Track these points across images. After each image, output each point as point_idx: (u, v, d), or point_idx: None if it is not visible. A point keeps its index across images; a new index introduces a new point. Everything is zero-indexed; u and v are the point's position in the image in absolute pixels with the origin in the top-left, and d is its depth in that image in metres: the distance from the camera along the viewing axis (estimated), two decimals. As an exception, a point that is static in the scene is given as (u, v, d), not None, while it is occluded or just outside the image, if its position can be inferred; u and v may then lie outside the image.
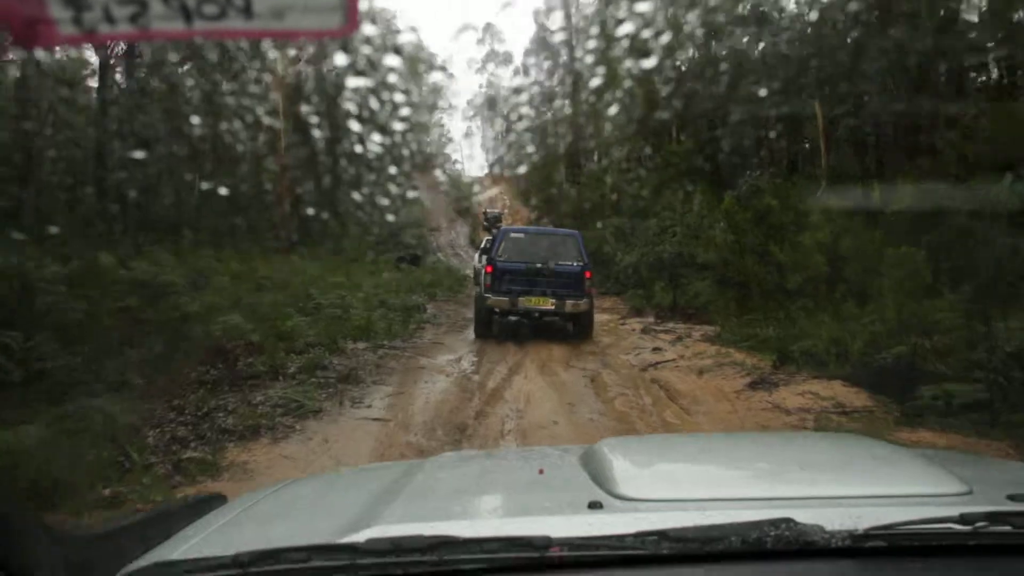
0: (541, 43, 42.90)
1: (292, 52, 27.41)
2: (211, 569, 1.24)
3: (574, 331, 12.80)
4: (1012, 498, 1.43)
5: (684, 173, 22.05)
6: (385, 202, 28.67)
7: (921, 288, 9.83)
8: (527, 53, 49.31)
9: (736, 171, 23.07)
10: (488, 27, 55.60)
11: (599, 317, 15.76)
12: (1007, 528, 1.23)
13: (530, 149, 38.08)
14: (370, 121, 24.78)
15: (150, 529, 1.63)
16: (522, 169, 41.97)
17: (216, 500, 1.94)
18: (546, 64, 42.05)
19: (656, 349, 11.58)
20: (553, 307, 12.09)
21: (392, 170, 29.10)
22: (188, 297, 10.90)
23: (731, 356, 10.36)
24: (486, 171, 54.21)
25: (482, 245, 20.17)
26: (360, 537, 1.26)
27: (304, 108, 26.45)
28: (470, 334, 13.33)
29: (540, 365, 10.31)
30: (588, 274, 12.40)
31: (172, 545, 1.52)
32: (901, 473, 1.73)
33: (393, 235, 31.85)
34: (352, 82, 23.52)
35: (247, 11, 1.09)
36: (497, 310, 12.31)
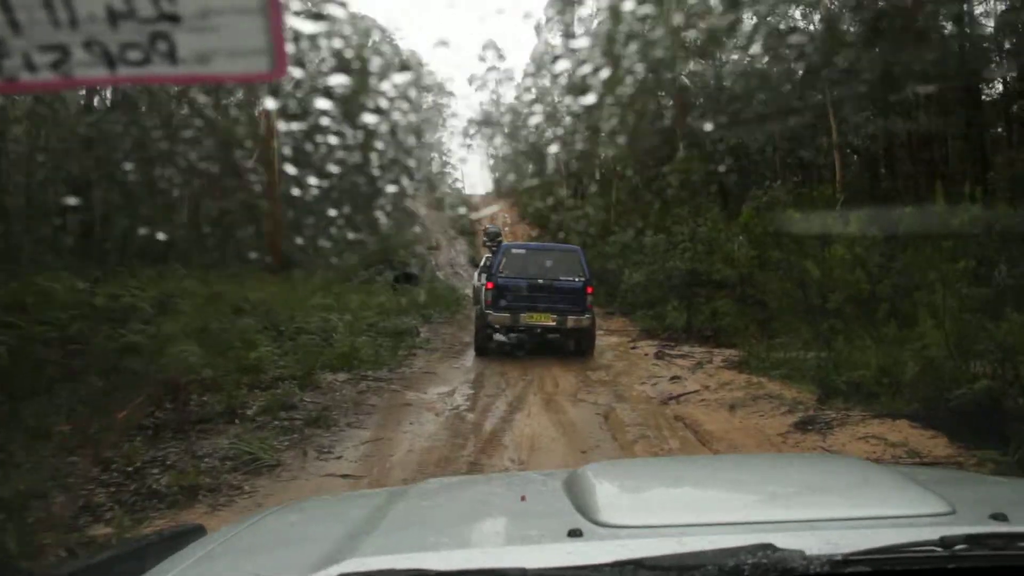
0: (539, 62, 41.63)
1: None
2: None
3: (575, 348, 12.36)
4: (995, 517, 1.38)
5: (691, 191, 20.61)
6: (382, 221, 27.55)
7: (981, 307, 8.43)
8: (525, 75, 47.87)
9: (745, 188, 21.76)
10: (489, 44, 54.19)
11: (607, 340, 14.40)
12: (986, 551, 1.19)
13: (528, 165, 36.75)
14: (366, 141, 23.61)
15: (124, 565, 1.56)
16: (520, 185, 40.71)
17: (195, 532, 1.84)
18: (543, 79, 40.78)
19: (675, 378, 10.14)
20: (555, 323, 11.76)
21: (389, 188, 27.97)
22: (143, 324, 9.46)
23: (764, 387, 8.93)
24: (487, 190, 52.75)
25: (481, 263, 19.17)
26: (333, 572, 1.22)
27: (295, 126, 25.28)
28: (466, 361, 11.91)
29: (545, 399, 8.87)
30: (590, 290, 12.03)
31: None
32: (883, 494, 1.69)
33: (389, 255, 30.66)
34: (345, 101, 22.50)
35: (172, 56, 1.08)
36: (498, 326, 11.91)
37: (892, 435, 6.42)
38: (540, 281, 11.87)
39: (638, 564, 1.16)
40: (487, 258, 18.52)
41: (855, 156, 24.18)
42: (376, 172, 24.74)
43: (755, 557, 1.15)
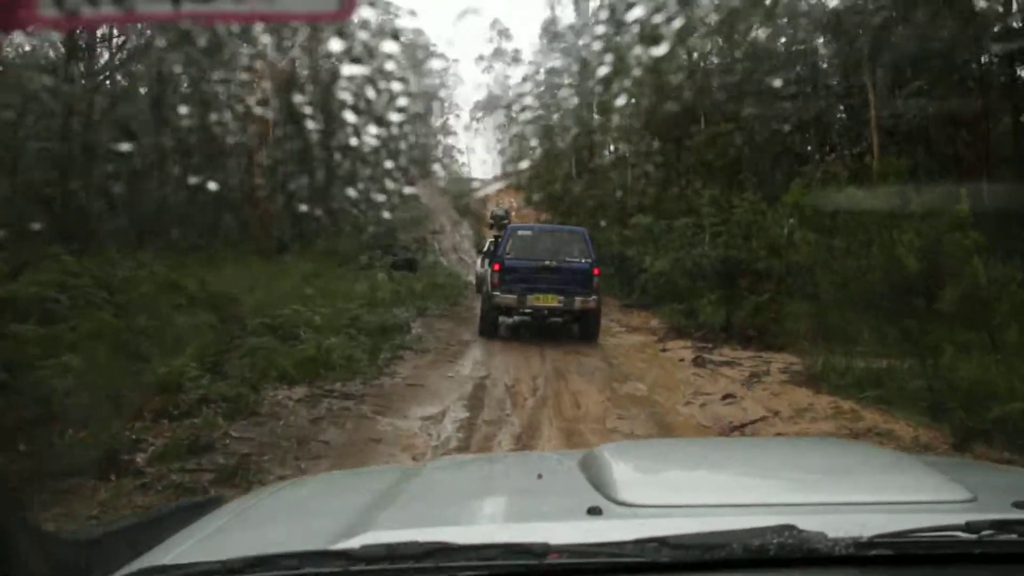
0: (550, 33, 39.06)
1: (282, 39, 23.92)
2: (200, 575, 1.17)
3: (580, 331, 11.90)
4: (1017, 505, 1.34)
5: (716, 168, 18.10)
6: (382, 200, 25.28)
7: None
8: (539, 41, 45.12)
9: (771, 169, 19.33)
10: (495, 23, 51.58)
11: (631, 339, 12.08)
12: (1013, 536, 1.16)
13: (537, 145, 34.21)
14: (367, 113, 21.25)
15: (142, 534, 1.52)
16: (528, 167, 38.33)
17: (210, 504, 1.83)
18: (555, 55, 38.31)
19: (729, 397, 7.72)
20: (561, 304, 11.38)
21: (390, 167, 25.68)
22: (39, 324, 7.10)
23: (861, 417, 6.51)
24: (493, 172, 50.37)
25: (484, 248, 17.71)
26: (354, 543, 1.18)
27: (295, 99, 22.93)
28: (463, 366, 9.52)
29: (565, 429, 6.49)
30: (596, 271, 11.70)
31: (163, 550, 1.41)
32: (905, 480, 1.63)
33: (389, 238, 28.55)
34: (348, 70, 20.22)
35: None
36: (504, 308, 11.68)
37: None
38: (547, 262, 11.45)
39: (661, 542, 1.13)
40: (490, 243, 16.79)
41: (892, 135, 21.64)
42: (380, 154, 22.54)
43: (780, 537, 1.11)
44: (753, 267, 12.44)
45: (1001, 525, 1.16)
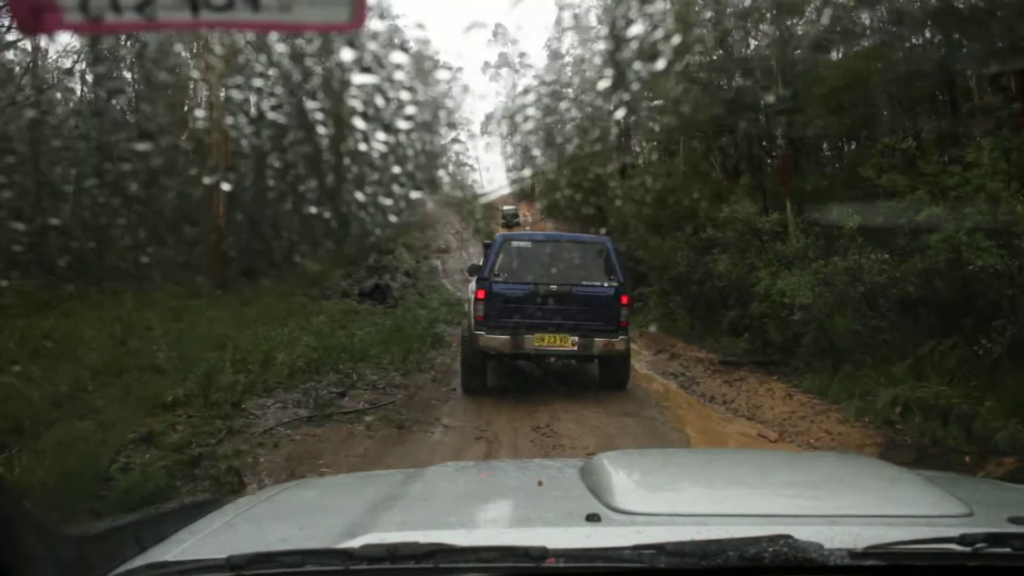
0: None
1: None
2: (205, 570, 1.14)
3: (602, 380, 8.57)
4: (1013, 520, 1.27)
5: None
6: (374, 218, 18.74)
7: None
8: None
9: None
10: (499, 28, 44.58)
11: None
12: (1007, 550, 1.11)
13: (557, 141, 26.97)
14: (367, 124, 14.65)
15: (144, 531, 1.47)
16: (545, 173, 31.44)
17: (210, 504, 1.76)
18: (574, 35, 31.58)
19: None
20: (576, 348, 7.99)
21: (386, 183, 19.09)
22: None
23: None
24: (507, 187, 43.89)
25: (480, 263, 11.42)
26: (356, 543, 1.16)
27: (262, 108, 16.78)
28: None
29: None
30: (625, 299, 8.17)
31: (166, 547, 1.37)
32: (901, 493, 1.55)
33: (376, 260, 22.61)
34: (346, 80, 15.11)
35: (255, 3, 1.01)
36: (493, 353, 8.10)
37: None
38: (553, 287, 7.96)
39: (659, 548, 1.09)
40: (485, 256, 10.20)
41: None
42: (372, 169, 16.10)
43: (775, 546, 1.07)
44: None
45: (996, 539, 1.10)
